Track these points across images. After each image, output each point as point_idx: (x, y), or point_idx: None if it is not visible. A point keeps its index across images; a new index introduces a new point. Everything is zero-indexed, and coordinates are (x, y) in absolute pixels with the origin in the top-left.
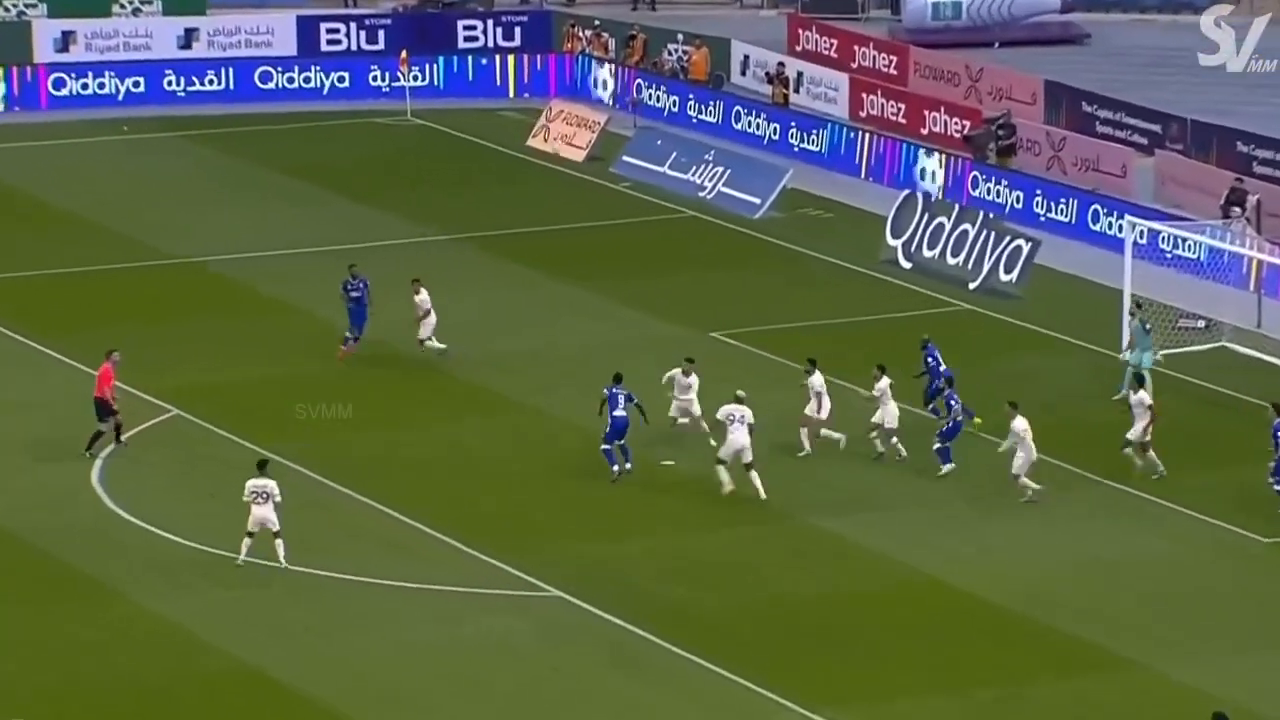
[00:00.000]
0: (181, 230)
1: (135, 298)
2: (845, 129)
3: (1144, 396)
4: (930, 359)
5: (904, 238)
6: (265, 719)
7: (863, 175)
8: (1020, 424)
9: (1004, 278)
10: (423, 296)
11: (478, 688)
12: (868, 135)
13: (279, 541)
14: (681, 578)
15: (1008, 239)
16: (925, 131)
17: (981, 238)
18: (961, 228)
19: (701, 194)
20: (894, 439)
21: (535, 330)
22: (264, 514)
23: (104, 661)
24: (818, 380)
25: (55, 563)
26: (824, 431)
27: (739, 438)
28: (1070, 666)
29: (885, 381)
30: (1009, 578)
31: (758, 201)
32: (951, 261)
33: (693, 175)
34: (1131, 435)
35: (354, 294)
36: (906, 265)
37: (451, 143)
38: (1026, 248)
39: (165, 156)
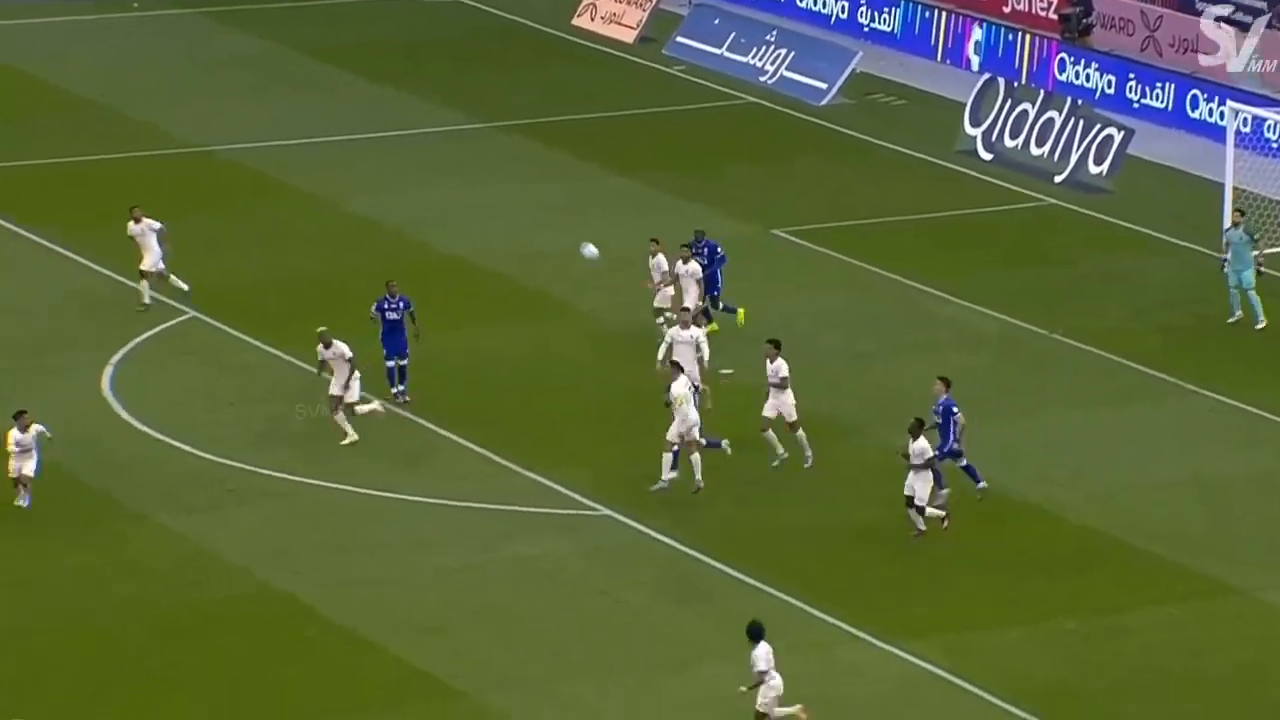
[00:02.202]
0: (201, 117)
1: (148, 190)
2: (920, 7)
3: None
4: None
5: (984, 126)
6: (286, 642)
7: (939, 58)
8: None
9: (1093, 170)
10: (659, 260)
11: (516, 613)
12: (944, 14)
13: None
14: (738, 499)
15: (1097, 127)
16: (1008, 10)
17: (1069, 126)
18: (1047, 115)
19: (763, 78)
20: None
21: (582, 225)
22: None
23: (115, 582)
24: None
25: (63, 476)
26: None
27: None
28: (1163, 592)
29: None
30: (1099, 499)
31: (824, 87)
32: (1036, 152)
33: (753, 58)
34: None
35: (390, 315)
36: (986, 156)
37: (493, 22)
38: (1118, 137)
39: (182, 37)
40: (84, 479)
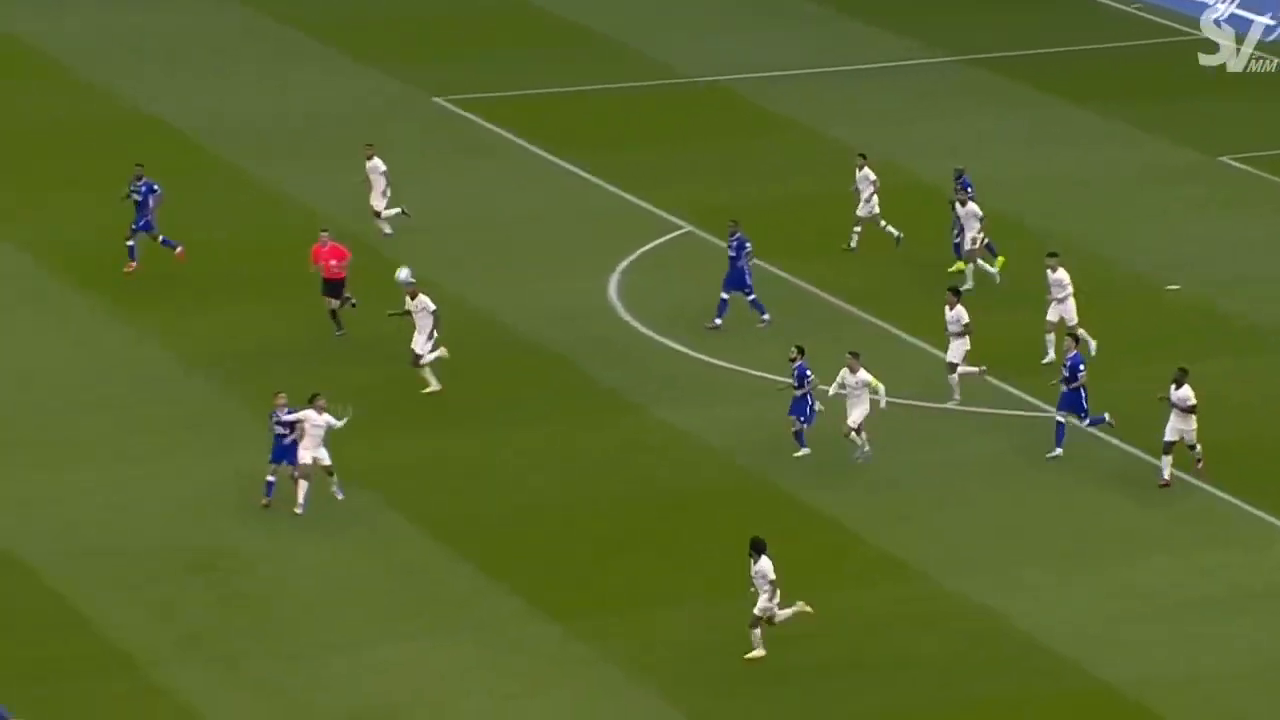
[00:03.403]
0: (692, 48)
1: (648, 116)
2: None
3: None
4: None
5: None
6: (753, 522)
7: None
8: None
9: None
10: (865, 172)
11: (980, 504)
12: None
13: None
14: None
15: None
16: None
17: None
18: None
19: (1211, 15)
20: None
21: (1049, 154)
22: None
23: (620, 463)
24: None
25: (576, 371)
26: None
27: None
28: None
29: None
30: None
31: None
32: None
33: None
34: None
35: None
36: None
37: None
38: None
39: None
40: (592, 373)
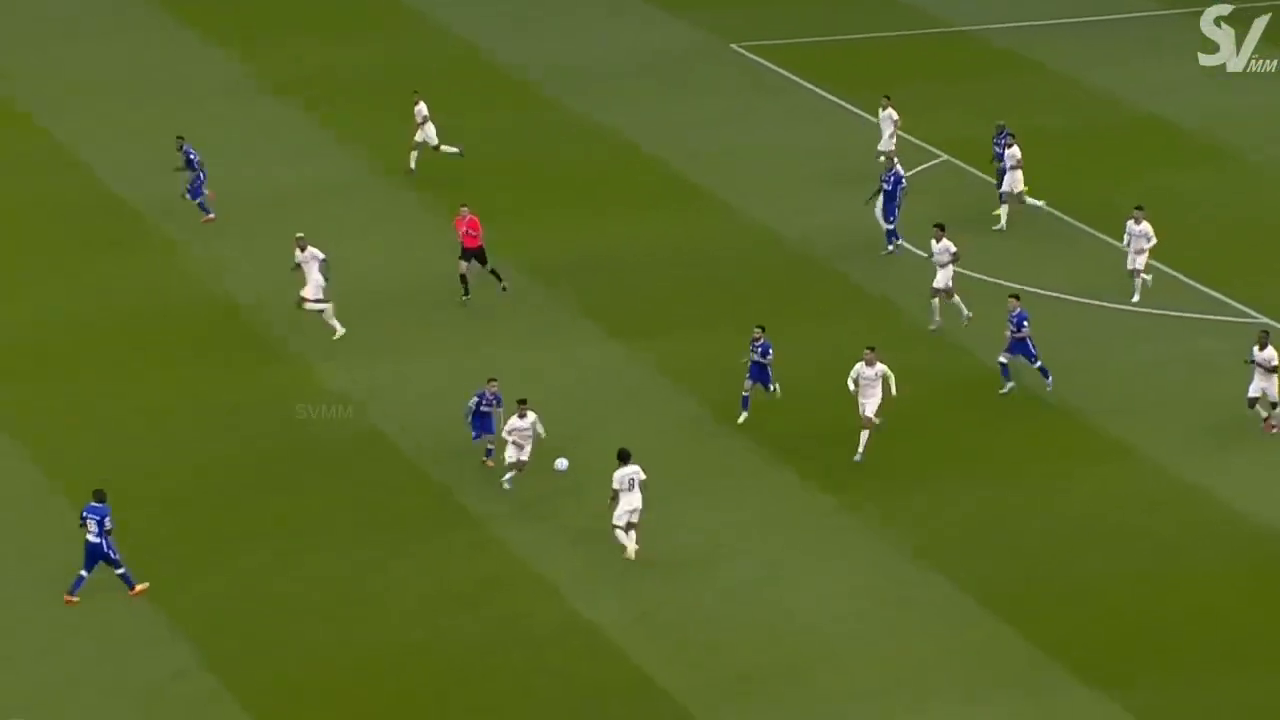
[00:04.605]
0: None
1: (914, 61)
2: None
3: None
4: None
5: None
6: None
7: None
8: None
9: None
10: (889, 112)
11: (1193, 397)
12: None
13: None
14: None
15: None
16: None
17: None
18: None
19: None
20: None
21: None
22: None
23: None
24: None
25: (840, 277)
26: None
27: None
28: None
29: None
30: None
31: None
32: None
33: None
34: None
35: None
36: None
37: None
38: None
39: None
40: (865, 288)
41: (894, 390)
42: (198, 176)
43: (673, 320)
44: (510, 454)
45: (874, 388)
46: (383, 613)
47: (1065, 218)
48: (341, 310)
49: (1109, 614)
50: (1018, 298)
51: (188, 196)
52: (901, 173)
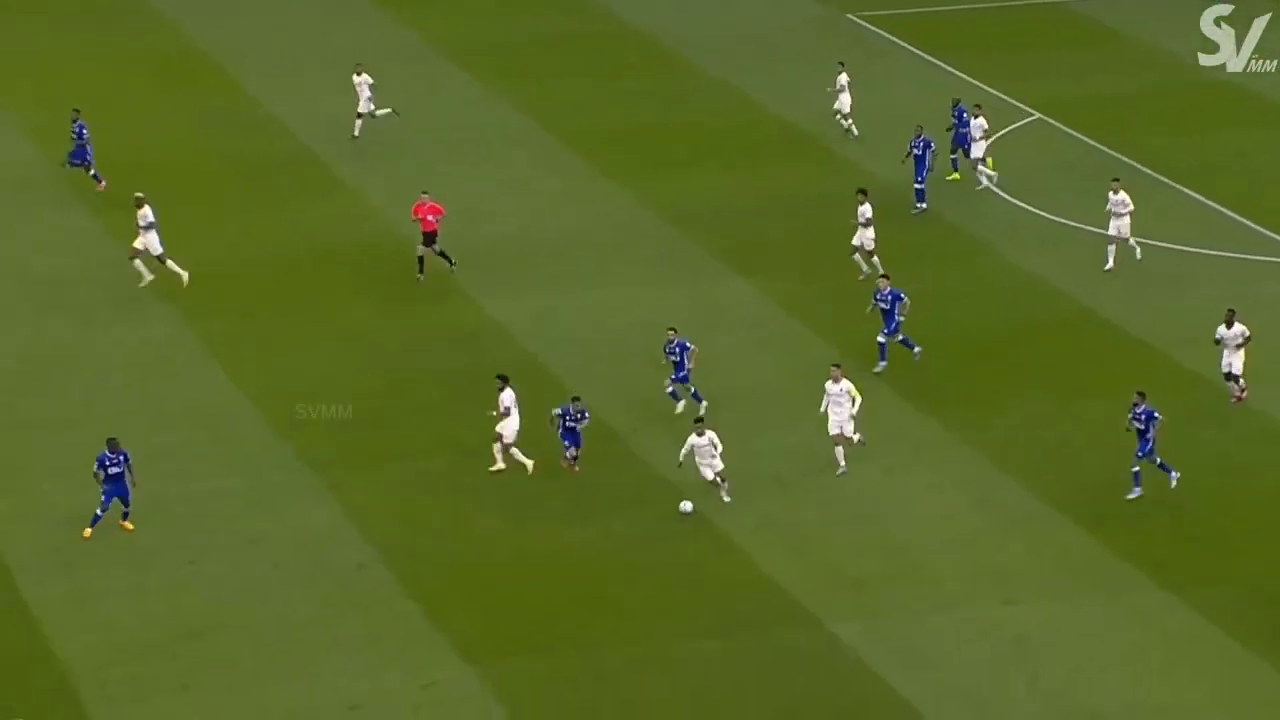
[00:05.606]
0: None
1: (1009, 29)
2: None
3: None
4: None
5: None
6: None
7: None
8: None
9: None
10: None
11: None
12: None
13: None
14: None
15: None
16: None
17: None
18: None
19: None
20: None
21: None
22: None
23: (976, 308)
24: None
25: (942, 221)
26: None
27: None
28: None
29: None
30: None
31: None
32: None
33: None
34: None
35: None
36: None
37: None
38: None
39: None
40: (953, 219)
41: (856, 408)
42: (84, 149)
43: (790, 262)
44: (705, 474)
45: (840, 403)
46: (545, 514)
47: (1156, 174)
48: (492, 254)
49: (1182, 522)
50: (888, 277)
51: (72, 164)
52: (929, 139)
